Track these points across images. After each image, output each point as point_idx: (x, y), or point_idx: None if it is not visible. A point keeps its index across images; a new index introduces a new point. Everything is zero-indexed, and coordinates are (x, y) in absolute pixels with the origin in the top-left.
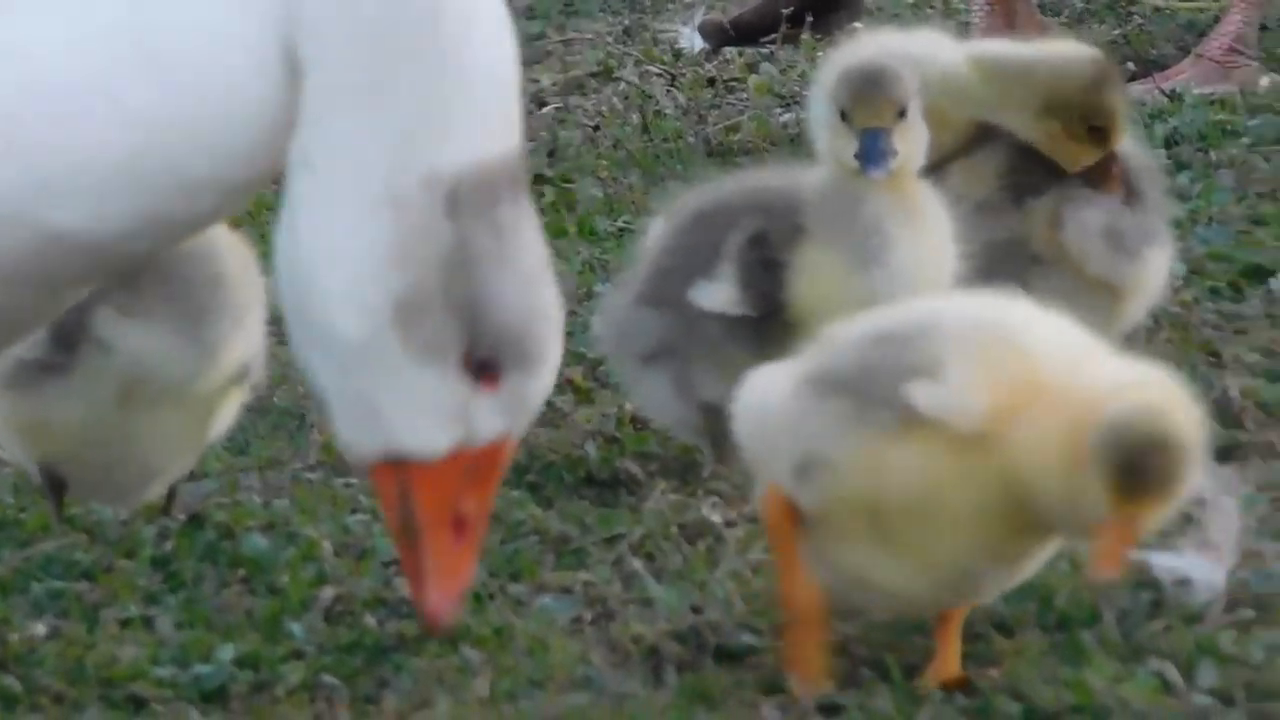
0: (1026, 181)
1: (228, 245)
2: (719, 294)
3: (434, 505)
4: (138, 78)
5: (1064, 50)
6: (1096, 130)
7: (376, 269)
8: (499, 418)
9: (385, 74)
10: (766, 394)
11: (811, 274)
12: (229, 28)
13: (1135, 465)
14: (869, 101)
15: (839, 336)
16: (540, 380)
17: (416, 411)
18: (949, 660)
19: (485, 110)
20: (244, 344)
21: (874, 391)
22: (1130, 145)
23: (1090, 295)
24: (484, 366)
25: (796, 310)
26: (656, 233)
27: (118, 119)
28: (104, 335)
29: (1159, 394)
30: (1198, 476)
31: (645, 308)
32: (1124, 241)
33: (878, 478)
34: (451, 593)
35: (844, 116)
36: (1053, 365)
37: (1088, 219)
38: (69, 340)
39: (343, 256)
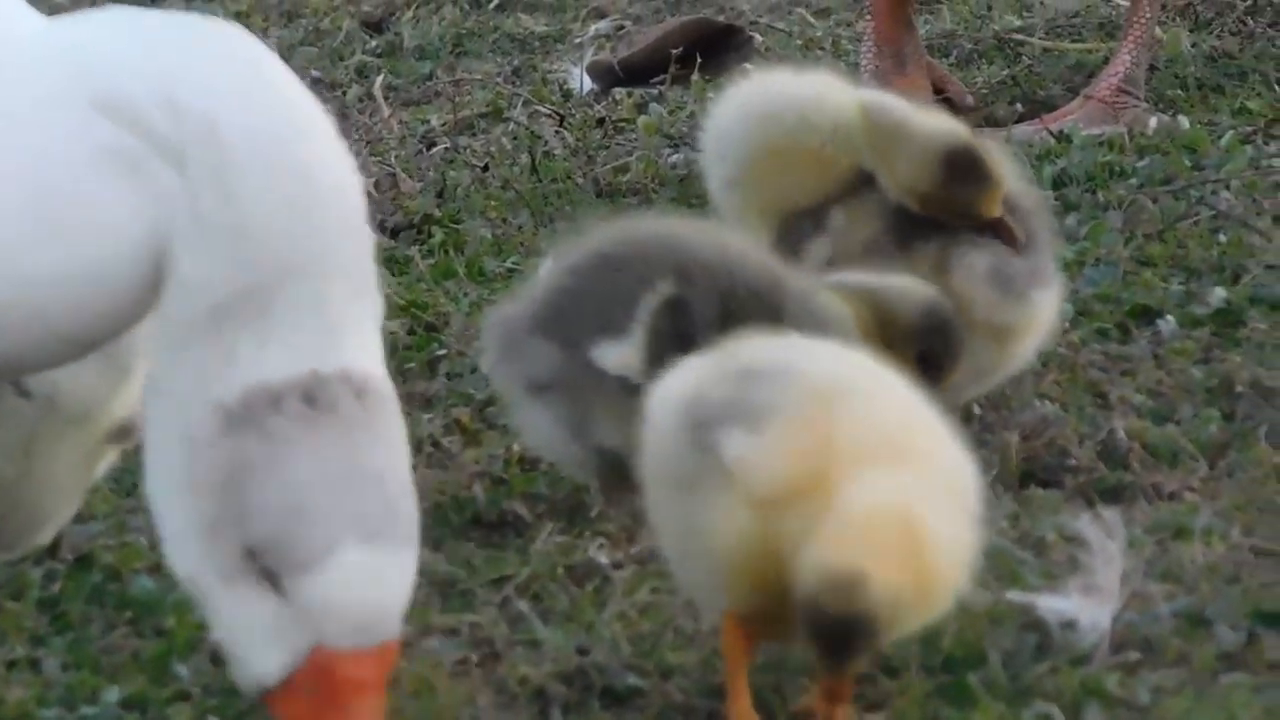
0: (912, 225)
1: None
2: (624, 357)
3: None
4: (28, 233)
5: (922, 134)
6: (967, 215)
7: (183, 500)
8: (303, 629)
9: (201, 321)
10: (664, 398)
11: None
12: (117, 212)
13: (831, 641)
14: None
15: (725, 356)
16: (326, 582)
17: (249, 638)
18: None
19: (285, 334)
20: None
21: (710, 435)
22: (1017, 185)
23: (978, 338)
24: (268, 577)
25: None
26: (557, 263)
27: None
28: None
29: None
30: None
31: (540, 338)
32: (1012, 284)
33: (700, 525)
34: None
35: None
36: (849, 453)
37: (974, 263)
38: None
39: (162, 489)
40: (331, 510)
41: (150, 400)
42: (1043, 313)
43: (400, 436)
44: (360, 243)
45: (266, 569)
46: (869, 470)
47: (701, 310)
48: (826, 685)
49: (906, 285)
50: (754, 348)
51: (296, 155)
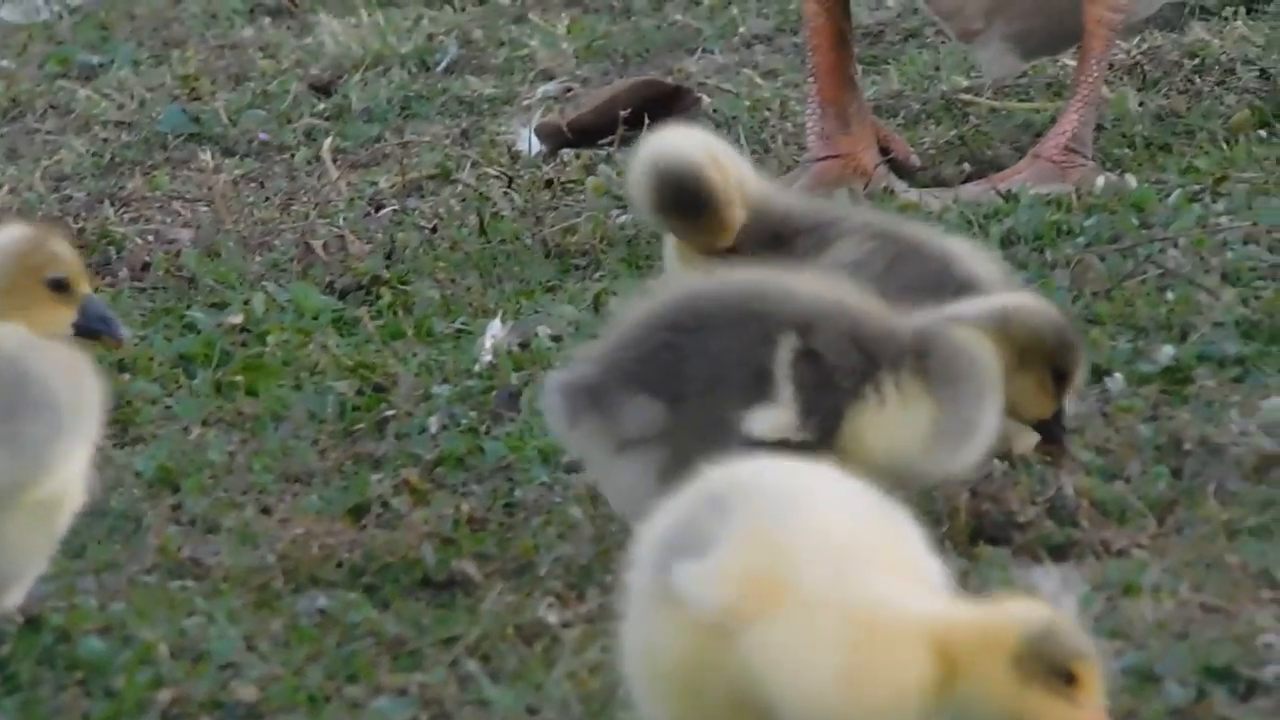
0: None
1: (45, 353)
2: (776, 421)
3: None
4: None
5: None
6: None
7: None
8: None
9: None
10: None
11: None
12: None
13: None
14: None
15: (701, 484)
16: None
17: None
18: None
19: None
20: (71, 448)
21: (661, 559)
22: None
23: None
24: None
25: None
26: (640, 320)
27: None
28: None
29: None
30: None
31: (636, 395)
32: None
33: (639, 644)
34: None
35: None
36: (816, 571)
37: None
38: None
39: None
40: None
41: None
42: None
43: None
44: None
45: None
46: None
47: (835, 360)
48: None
49: (1030, 306)
50: (720, 473)
51: None
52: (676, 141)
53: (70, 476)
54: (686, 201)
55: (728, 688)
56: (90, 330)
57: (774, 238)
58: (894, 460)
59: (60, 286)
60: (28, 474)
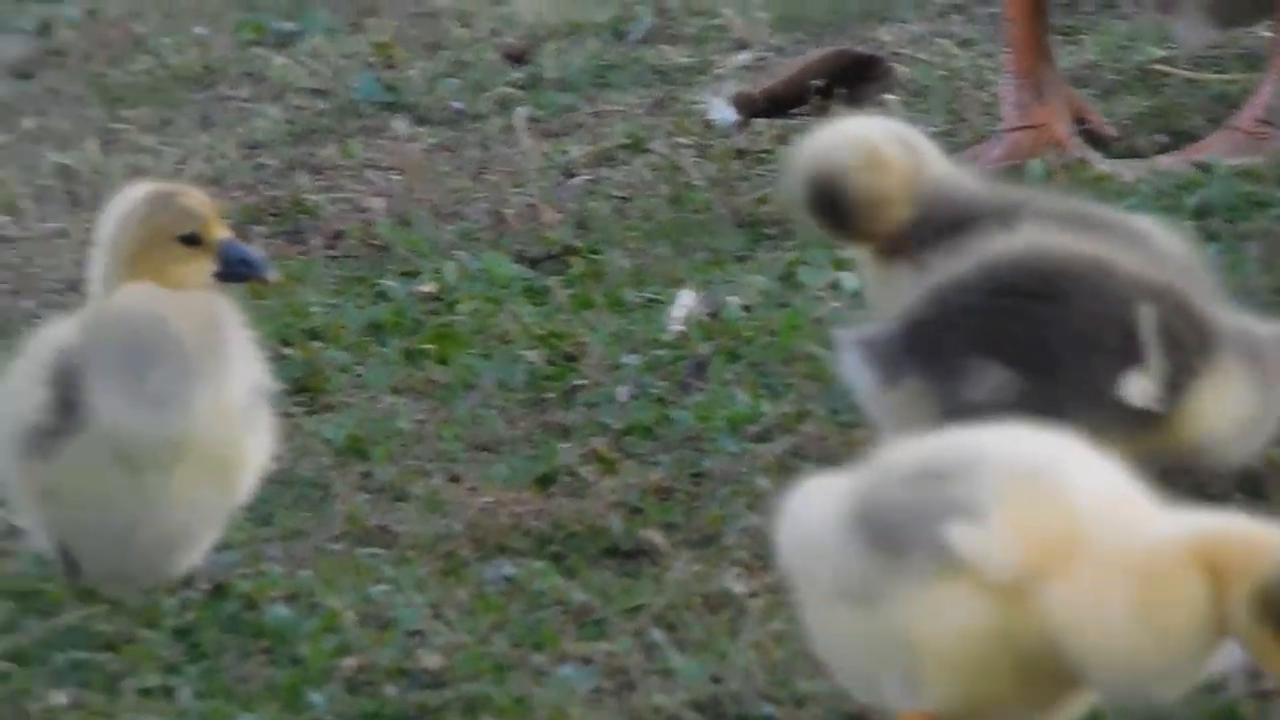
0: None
1: (180, 309)
2: (1146, 388)
3: None
4: None
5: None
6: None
7: None
8: None
9: None
10: (811, 513)
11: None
12: None
13: None
14: None
15: (887, 466)
16: None
17: None
18: None
19: None
20: (210, 401)
21: (913, 537)
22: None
23: None
24: None
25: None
26: (962, 283)
27: None
28: (82, 399)
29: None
30: None
31: (981, 359)
32: None
33: (917, 624)
34: None
35: None
36: (1096, 519)
37: None
38: (70, 404)
39: None
40: None
41: None
42: None
43: None
44: None
45: None
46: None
47: (1182, 335)
48: None
49: None
50: (901, 454)
51: None
52: (825, 142)
53: (238, 435)
54: (830, 207)
55: (1018, 653)
56: (234, 275)
57: (956, 224)
58: (1217, 440)
59: (193, 240)
60: (167, 428)
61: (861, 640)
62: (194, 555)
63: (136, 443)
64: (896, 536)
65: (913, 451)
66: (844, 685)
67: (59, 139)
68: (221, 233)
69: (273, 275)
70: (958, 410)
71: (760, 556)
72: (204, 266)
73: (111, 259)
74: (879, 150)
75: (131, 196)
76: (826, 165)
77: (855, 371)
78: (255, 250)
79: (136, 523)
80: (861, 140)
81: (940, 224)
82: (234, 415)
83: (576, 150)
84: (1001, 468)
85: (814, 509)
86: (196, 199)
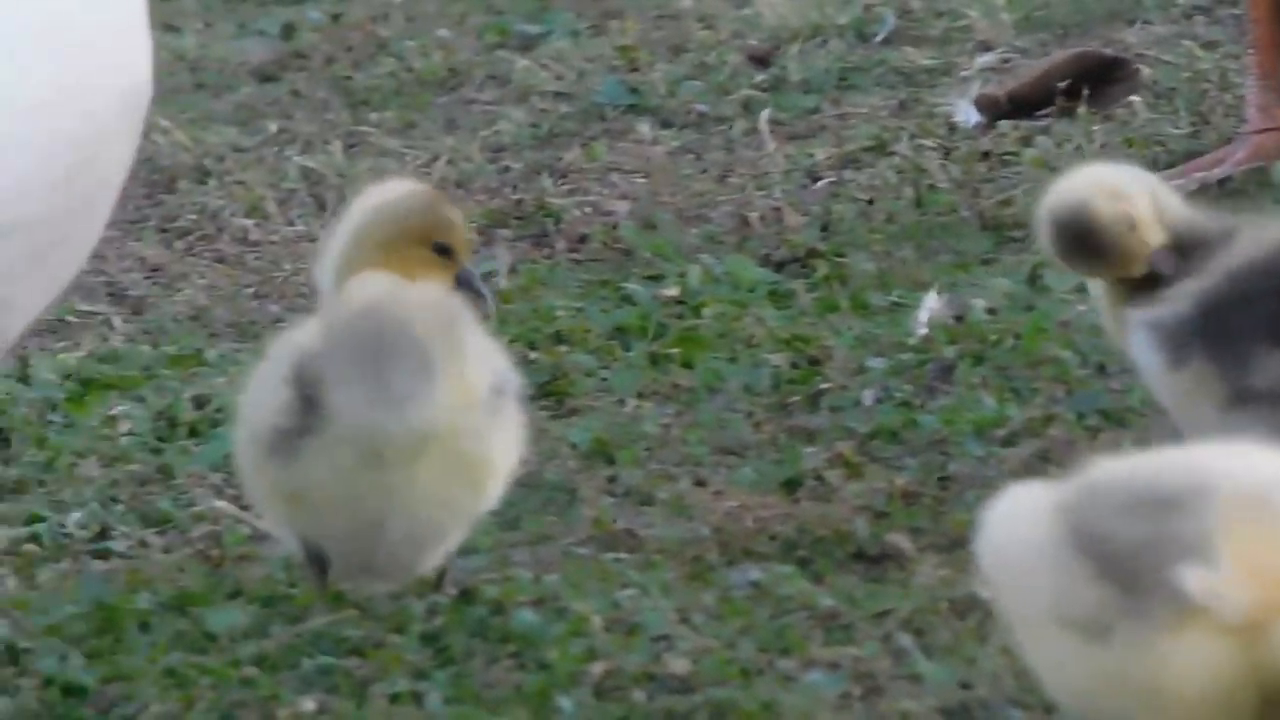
0: None
1: (419, 303)
2: None
3: None
4: None
5: None
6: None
7: None
8: None
9: None
10: (1019, 529)
11: None
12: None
13: None
14: None
15: (1104, 486)
16: None
17: None
18: None
19: None
20: (451, 395)
21: (1148, 577)
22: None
23: None
24: None
25: None
26: (1235, 260)
27: None
28: (322, 396)
29: None
30: None
31: (1268, 343)
32: None
33: (1159, 669)
34: None
35: None
36: None
37: None
38: (311, 402)
39: None
40: None
41: None
42: None
43: None
44: None
45: None
46: None
47: None
48: None
49: None
50: (1118, 473)
51: None
52: (1069, 184)
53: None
54: (1079, 242)
55: (1262, 689)
56: (465, 288)
57: (1202, 254)
58: None
59: (445, 251)
60: (409, 422)
61: (1086, 669)
62: (440, 554)
63: (378, 438)
64: (1127, 571)
65: (1132, 472)
66: (1057, 700)
67: (303, 142)
68: (467, 258)
69: (492, 311)
70: (1242, 397)
71: None
72: (445, 279)
73: (354, 245)
74: (1124, 183)
75: (391, 189)
76: (1068, 203)
77: (1143, 351)
78: (488, 289)
79: (383, 520)
80: (1100, 179)
81: (1188, 253)
82: (476, 409)
83: (820, 153)
84: (1229, 495)
85: (1022, 524)
86: (459, 215)
